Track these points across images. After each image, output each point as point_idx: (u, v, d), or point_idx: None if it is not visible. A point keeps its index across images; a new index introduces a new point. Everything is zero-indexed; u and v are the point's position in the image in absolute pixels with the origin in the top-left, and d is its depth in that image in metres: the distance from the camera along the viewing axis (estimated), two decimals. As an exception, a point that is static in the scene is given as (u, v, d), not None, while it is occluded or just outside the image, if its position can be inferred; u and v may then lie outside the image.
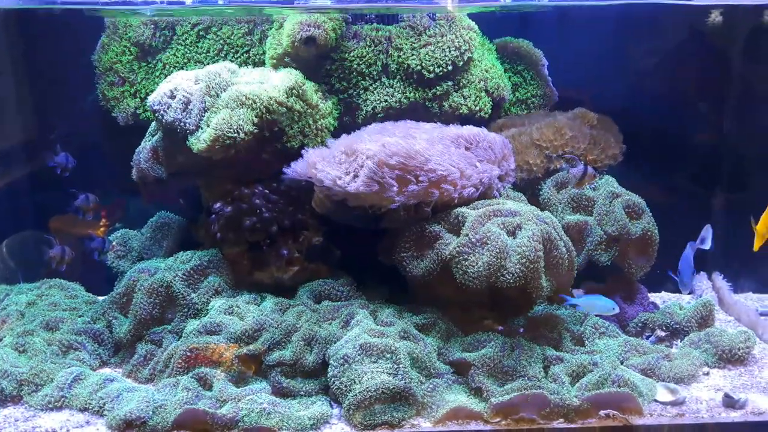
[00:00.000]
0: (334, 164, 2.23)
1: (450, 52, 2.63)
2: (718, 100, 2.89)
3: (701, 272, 2.84)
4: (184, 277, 2.35)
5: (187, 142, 2.37)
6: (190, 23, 2.82)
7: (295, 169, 2.33)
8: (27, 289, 2.66)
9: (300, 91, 2.46)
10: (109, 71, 2.85)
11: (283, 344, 2.13)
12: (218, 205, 2.40)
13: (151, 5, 2.73)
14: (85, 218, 2.67)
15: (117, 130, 2.86)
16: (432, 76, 2.64)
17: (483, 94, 2.69)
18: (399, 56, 2.64)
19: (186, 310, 2.31)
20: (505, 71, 2.86)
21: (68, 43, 2.88)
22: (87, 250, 2.64)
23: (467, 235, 2.12)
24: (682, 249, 2.49)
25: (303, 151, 2.37)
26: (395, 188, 2.14)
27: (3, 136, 2.83)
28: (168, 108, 2.41)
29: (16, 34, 2.88)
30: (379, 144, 2.18)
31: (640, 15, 2.84)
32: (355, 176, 2.17)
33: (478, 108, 2.67)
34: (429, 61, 2.62)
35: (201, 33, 2.83)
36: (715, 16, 2.71)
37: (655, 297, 2.76)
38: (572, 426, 1.92)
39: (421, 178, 2.15)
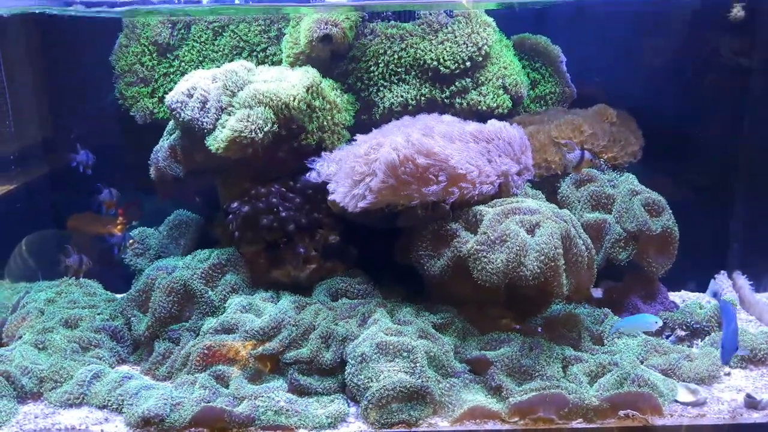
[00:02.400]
0: (353, 175, 2.22)
1: (467, 47, 2.61)
2: (739, 96, 2.84)
3: (722, 271, 2.80)
4: (202, 275, 2.36)
5: (205, 142, 2.38)
6: (206, 22, 2.83)
7: (321, 175, 2.34)
8: (46, 287, 2.68)
9: (318, 89, 2.46)
10: (127, 71, 2.86)
11: (300, 342, 2.13)
12: (235, 204, 2.41)
13: (168, 5, 2.74)
14: (107, 213, 2.68)
15: (135, 129, 2.87)
16: (448, 72, 2.62)
17: (501, 91, 2.67)
18: (416, 53, 2.62)
19: (204, 308, 2.31)
20: (523, 68, 2.84)
21: (86, 43, 2.90)
22: (106, 245, 2.66)
23: (485, 232, 2.11)
24: (705, 248, 2.45)
25: (319, 166, 2.37)
26: (414, 187, 2.13)
27: (22, 136, 2.86)
28: (185, 107, 2.42)
29: (35, 34, 2.90)
30: (398, 142, 2.17)
31: (659, 10, 2.80)
32: (369, 187, 2.16)
33: (496, 105, 2.66)
34: (446, 57, 2.61)
35: (218, 31, 2.84)
36: (737, 11, 2.67)
37: (674, 296, 2.73)
38: (591, 426, 1.91)
39: (440, 177, 2.14)
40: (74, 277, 2.61)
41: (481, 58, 2.64)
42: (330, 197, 2.31)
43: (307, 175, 2.42)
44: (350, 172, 2.23)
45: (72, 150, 2.68)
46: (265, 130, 2.31)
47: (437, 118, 2.44)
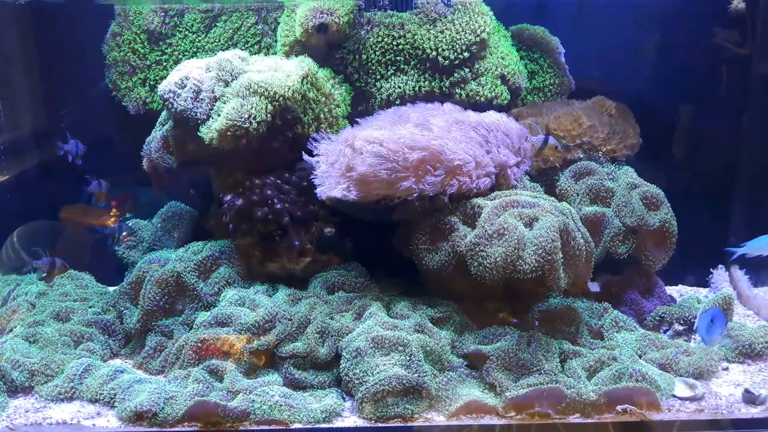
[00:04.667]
0: (342, 168, 2.19)
1: (465, 35, 2.58)
2: (739, 91, 2.82)
3: (719, 265, 2.79)
4: (196, 267, 2.33)
5: (199, 132, 2.35)
6: (199, 10, 2.79)
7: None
8: (37, 279, 2.65)
9: (313, 79, 2.43)
10: (120, 60, 2.82)
11: (295, 336, 2.10)
12: (230, 196, 2.38)
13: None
14: (97, 204, 2.64)
15: (127, 119, 2.84)
16: (447, 63, 2.59)
17: (499, 81, 2.64)
18: (414, 42, 2.59)
19: (197, 301, 2.29)
20: (521, 59, 2.81)
21: (77, 32, 2.85)
22: (99, 237, 2.63)
23: (483, 226, 2.09)
24: (702, 242, 2.43)
25: (315, 163, 2.35)
26: (412, 179, 2.10)
27: (13, 126, 2.82)
28: (178, 97, 2.39)
29: (27, 23, 2.86)
30: (394, 133, 2.14)
31: (659, 1, 2.78)
32: (360, 179, 2.13)
33: (494, 95, 2.63)
34: (444, 46, 2.58)
35: (211, 21, 2.80)
36: (738, 3, 2.65)
37: (672, 290, 2.72)
38: (588, 421, 1.89)
39: (437, 170, 2.11)
40: (44, 281, 2.54)
41: (477, 47, 2.61)
42: (319, 191, 2.27)
43: (313, 161, 2.38)
44: (341, 164, 2.20)
45: (61, 139, 2.64)
46: (259, 119, 2.28)
47: (437, 107, 2.41)
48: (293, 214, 2.35)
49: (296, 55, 2.58)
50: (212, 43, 2.79)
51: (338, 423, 1.92)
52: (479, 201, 2.18)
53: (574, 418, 1.89)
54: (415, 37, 2.59)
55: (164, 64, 2.81)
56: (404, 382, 1.90)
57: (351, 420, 1.92)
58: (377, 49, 2.61)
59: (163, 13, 2.79)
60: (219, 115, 2.30)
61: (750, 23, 2.71)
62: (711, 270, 2.79)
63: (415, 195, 2.12)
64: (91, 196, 2.59)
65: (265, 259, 2.40)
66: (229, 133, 2.27)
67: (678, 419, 1.91)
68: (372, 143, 2.13)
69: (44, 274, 2.50)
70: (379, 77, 2.64)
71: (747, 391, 2.00)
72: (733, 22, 2.73)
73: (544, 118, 2.63)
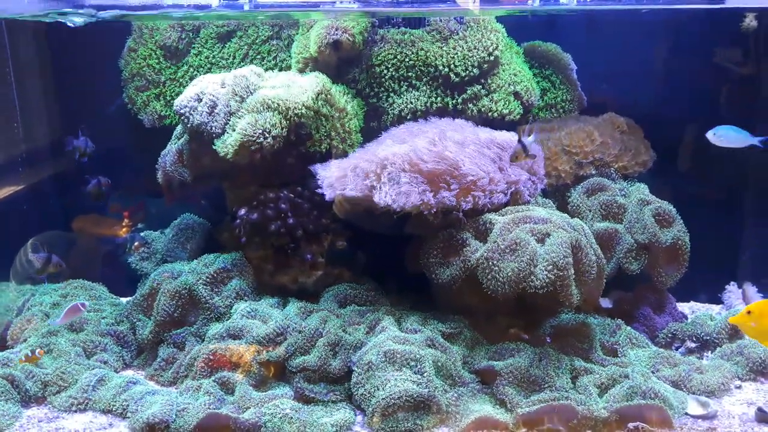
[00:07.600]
0: (360, 178, 2.20)
1: (478, 52, 2.60)
2: (750, 105, 2.82)
3: (732, 282, 2.78)
4: (208, 280, 2.35)
5: (214, 146, 2.37)
6: (215, 26, 2.83)
7: (327, 181, 2.33)
8: (51, 290, 2.66)
9: (327, 95, 2.46)
10: (136, 74, 2.86)
11: (306, 349, 2.11)
12: (244, 210, 2.40)
13: (178, 9, 2.74)
14: (101, 198, 2.61)
15: (143, 132, 2.87)
16: (458, 80, 2.61)
17: (512, 98, 2.66)
18: (426, 59, 2.61)
19: (209, 313, 2.30)
20: (534, 76, 2.83)
21: (94, 47, 2.89)
22: (112, 247, 2.65)
23: (496, 241, 2.09)
24: (715, 259, 2.41)
25: (322, 168, 2.34)
26: (429, 193, 2.11)
27: (31, 139, 2.85)
28: (194, 111, 2.41)
29: (44, 38, 2.90)
30: (407, 151, 2.16)
31: (671, 18, 2.79)
32: (384, 188, 2.14)
33: (507, 111, 2.64)
34: (456, 63, 2.60)
35: (227, 37, 2.84)
36: (750, 21, 2.65)
37: (684, 307, 2.71)
38: (600, 438, 1.89)
39: (452, 186, 2.12)
40: (38, 275, 2.52)
41: (489, 64, 2.62)
42: (339, 192, 2.26)
43: (315, 173, 2.39)
44: (363, 178, 2.21)
45: (72, 134, 2.64)
46: (274, 135, 2.30)
47: (449, 123, 2.43)
48: (306, 228, 2.37)
49: (310, 71, 2.61)
50: (227, 58, 2.82)
51: (349, 437, 1.92)
52: (491, 216, 2.19)
53: (586, 436, 1.89)
54: (428, 53, 2.61)
55: (179, 79, 2.85)
56: (415, 396, 1.90)
57: (362, 434, 1.93)
58: (390, 65, 2.63)
59: (180, 29, 2.83)
60: (234, 130, 2.33)
61: (761, 41, 2.71)
62: (725, 287, 2.77)
63: (433, 208, 2.13)
64: (88, 195, 2.58)
65: (277, 272, 2.41)
66: (244, 148, 2.29)
67: (690, 437, 1.91)
68: (393, 165, 2.14)
69: (38, 270, 2.48)
70: (391, 93, 2.66)
71: (760, 409, 1.98)
72: (743, 40, 2.74)
73: (555, 134, 2.64)
